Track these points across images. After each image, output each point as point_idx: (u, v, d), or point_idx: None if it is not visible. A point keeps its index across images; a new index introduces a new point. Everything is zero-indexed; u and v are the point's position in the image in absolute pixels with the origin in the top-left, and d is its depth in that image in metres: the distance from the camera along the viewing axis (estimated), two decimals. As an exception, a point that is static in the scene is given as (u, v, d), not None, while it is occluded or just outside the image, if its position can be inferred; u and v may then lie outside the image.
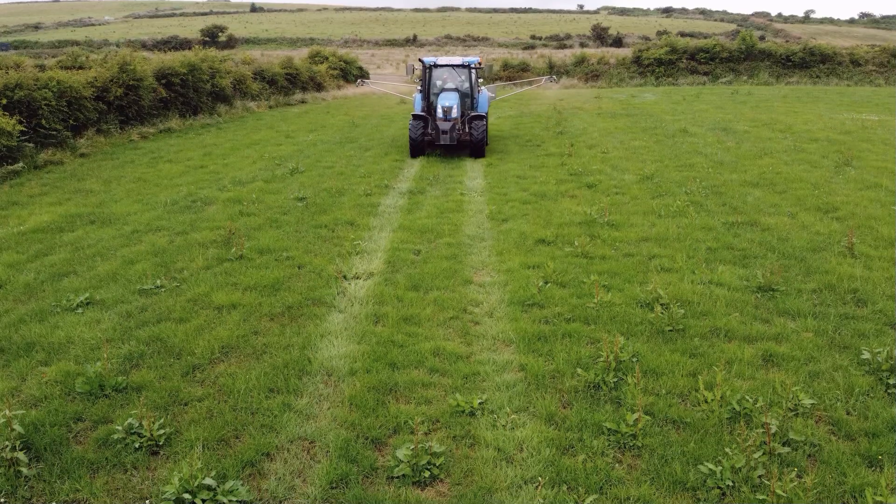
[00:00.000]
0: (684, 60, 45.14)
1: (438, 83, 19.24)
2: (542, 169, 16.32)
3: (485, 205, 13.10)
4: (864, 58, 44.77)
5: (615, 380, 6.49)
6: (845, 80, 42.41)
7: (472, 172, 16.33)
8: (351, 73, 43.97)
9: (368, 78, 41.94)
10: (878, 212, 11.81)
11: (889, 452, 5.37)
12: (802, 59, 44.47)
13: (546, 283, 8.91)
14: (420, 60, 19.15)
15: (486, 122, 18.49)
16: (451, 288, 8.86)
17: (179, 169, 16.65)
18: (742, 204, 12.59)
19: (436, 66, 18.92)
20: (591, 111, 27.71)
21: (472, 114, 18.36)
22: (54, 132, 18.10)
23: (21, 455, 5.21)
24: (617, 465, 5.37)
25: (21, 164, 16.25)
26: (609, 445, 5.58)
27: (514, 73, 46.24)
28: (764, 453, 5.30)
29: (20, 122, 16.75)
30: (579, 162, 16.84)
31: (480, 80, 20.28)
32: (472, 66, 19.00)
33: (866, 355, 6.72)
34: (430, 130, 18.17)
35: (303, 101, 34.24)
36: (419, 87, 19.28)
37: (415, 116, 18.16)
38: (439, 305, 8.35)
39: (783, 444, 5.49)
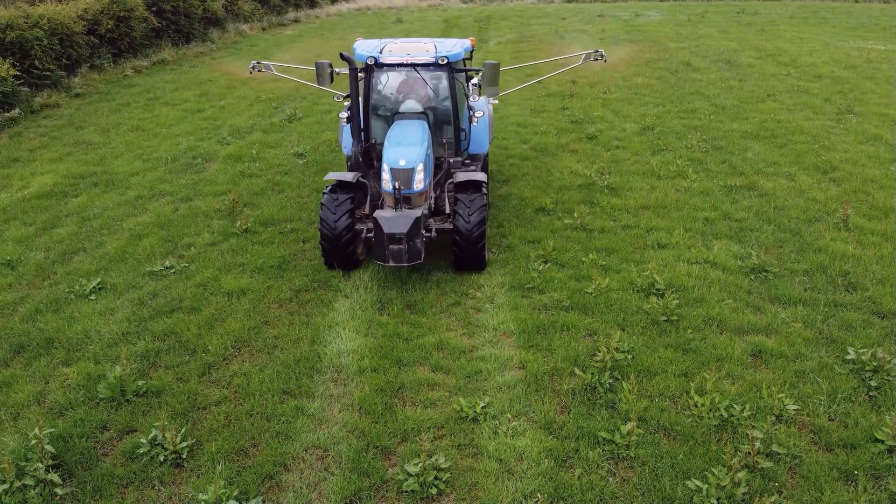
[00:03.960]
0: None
1: (389, 100, 9.71)
2: (542, 114, 16.21)
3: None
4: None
5: (611, 380, 6.83)
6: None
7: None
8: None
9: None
10: (876, 173, 11.90)
11: (864, 467, 5.76)
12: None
13: (546, 262, 9.13)
14: (343, 59, 8.73)
15: (486, 185, 9.32)
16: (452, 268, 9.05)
17: (177, 114, 16.50)
18: (741, 162, 12.64)
19: (380, 64, 9.15)
20: (594, 35, 27.08)
21: (458, 170, 9.40)
22: (48, 72, 17.80)
23: (55, 476, 5.59)
24: (611, 478, 5.77)
25: (17, 111, 16.11)
26: (604, 457, 5.96)
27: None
28: (749, 471, 5.69)
29: (13, 66, 16.48)
30: (580, 106, 16.70)
31: (474, 85, 9.63)
32: (456, 60, 9.46)
33: (851, 355, 7.03)
34: (367, 213, 9.15)
35: (296, 21, 33.35)
36: (347, 107, 9.43)
37: (337, 185, 8.81)
38: (441, 289, 8.60)
39: (767, 457, 5.87)
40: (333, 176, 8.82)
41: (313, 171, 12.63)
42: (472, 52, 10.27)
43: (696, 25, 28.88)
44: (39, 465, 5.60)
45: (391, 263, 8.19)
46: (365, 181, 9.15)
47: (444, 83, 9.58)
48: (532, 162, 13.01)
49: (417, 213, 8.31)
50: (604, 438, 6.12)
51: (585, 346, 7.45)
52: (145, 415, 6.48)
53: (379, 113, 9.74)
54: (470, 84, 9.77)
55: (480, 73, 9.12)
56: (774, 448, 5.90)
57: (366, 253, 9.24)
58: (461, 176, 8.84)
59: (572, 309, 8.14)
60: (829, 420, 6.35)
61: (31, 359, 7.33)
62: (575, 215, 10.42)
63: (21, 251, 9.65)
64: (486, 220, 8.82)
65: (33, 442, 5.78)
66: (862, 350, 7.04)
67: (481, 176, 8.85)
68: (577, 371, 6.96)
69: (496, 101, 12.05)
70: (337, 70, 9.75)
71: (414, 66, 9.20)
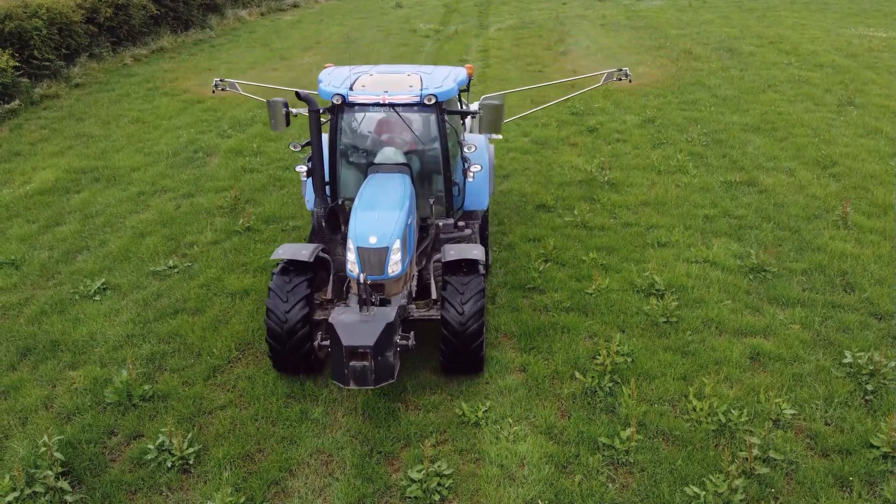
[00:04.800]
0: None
1: (364, 141, 8.04)
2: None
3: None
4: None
5: (611, 384, 6.92)
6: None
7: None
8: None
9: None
10: (876, 168, 11.93)
11: (859, 473, 5.87)
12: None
13: (546, 261, 9.19)
14: (302, 100, 7.13)
15: (487, 259, 8.55)
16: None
17: (177, 105, 16.48)
18: (742, 156, 12.67)
19: (350, 104, 7.32)
20: (595, 21, 26.94)
21: (449, 234, 7.88)
22: (48, 62, 17.72)
23: (65, 484, 5.69)
24: (610, 484, 5.88)
25: (18, 102, 16.08)
26: (603, 462, 6.07)
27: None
28: (746, 477, 5.79)
29: (12, 56, 16.42)
30: (581, 97, 16.65)
31: (468, 125, 9.18)
32: (448, 99, 7.40)
33: (848, 358, 7.12)
34: (329, 298, 7.11)
35: (295, 6, 33.09)
36: (307, 159, 7.43)
37: (289, 265, 6.94)
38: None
39: (764, 462, 5.98)
40: (285, 253, 6.83)
41: (314, 165, 12.64)
42: (469, 82, 8.44)
43: (697, 11, 28.71)
44: (49, 472, 5.70)
45: (352, 386, 6.15)
46: (327, 255, 7.23)
47: (432, 127, 7.65)
48: (532, 156, 13.03)
49: (390, 314, 6.32)
50: (604, 444, 6.22)
51: (586, 348, 7.53)
52: (152, 419, 6.57)
53: (351, 160, 7.85)
54: (463, 125, 8.40)
55: (479, 115, 7.56)
56: (771, 454, 6.01)
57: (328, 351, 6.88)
58: (451, 253, 6.89)
59: (573, 310, 8.22)
60: (826, 425, 6.45)
61: (37, 362, 7.42)
62: (575, 212, 10.47)
63: (25, 250, 9.71)
64: (484, 309, 6.77)
65: (42, 449, 5.88)
66: (859, 354, 7.12)
67: (477, 252, 6.88)
68: (577, 375, 7.05)
69: (499, 137, 9.92)
70: (294, 111, 7.51)
71: (393, 106, 7.24)
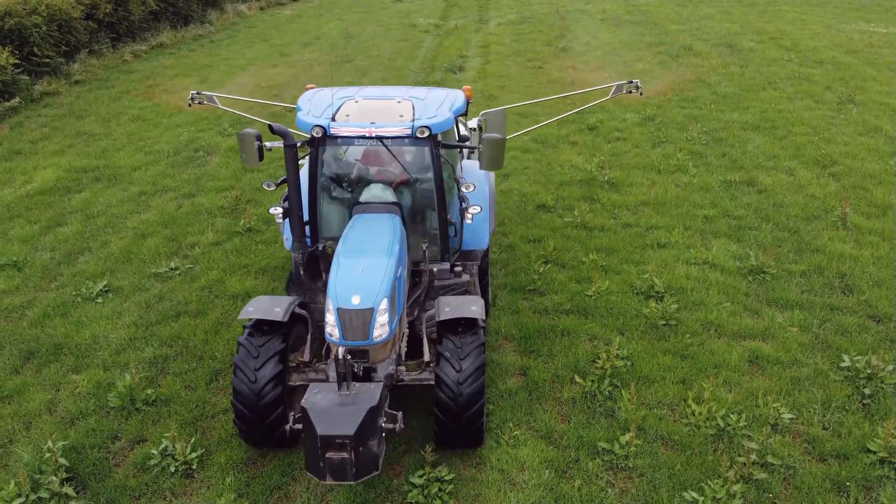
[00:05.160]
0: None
1: (349, 173, 7.17)
2: (543, 103, 16.17)
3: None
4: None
5: (610, 388, 6.98)
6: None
7: (473, 112, 16.22)
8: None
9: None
10: (875, 167, 11.95)
11: (856, 478, 5.93)
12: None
13: (546, 262, 9.23)
14: (276, 133, 6.40)
15: (486, 309, 7.49)
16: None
17: (177, 103, 16.46)
18: (741, 155, 12.69)
19: (332, 136, 6.53)
20: (595, 15, 26.88)
21: (443, 281, 7.05)
22: (47, 59, 17.71)
23: (70, 490, 5.75)
24: (610, 489, 5.93)
25: (18, 100, 16.08)
26: (603, 467, 6.12)
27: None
28: (744, 482, 5.85)
29: (12, 54, 16.41)
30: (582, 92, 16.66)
31: (472, 129, 9.08)
32: (444, 130, 6.75)
33: (846, 362, 7.17)
34: (306, 361, 6.29)
35: (294, 0, 33.03)
36: (283, 198, 6.67)
37: (258, 325, 6.09)
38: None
39: (761, 467, 6.03)
40: (256, 311, 6.00)
41: (315, 164, 12.66)
42: (467, 106, 7.50)
43: (697, 6, 28.64)
44: (54, 478, 5.76)
45: (328, 481, 5.24)
46: (304, 311, 6.37)
47: (426, 160, 6.71)
48: (533, 154, 13.05)
49: (374, 395, 5.43)
50: (603, 448, 6.27)
51: (585, 351, 7.58)
52: (155, 424, 6.63)
53: (334, 195, 6.99)
54: (464, 138, 7.75)
55: (478, 150, 6.61)
56: (769, 459, 6.06)
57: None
58: (447, 310, 6.08)
59: (573, 312, 8.26)
60: (823, 429, 6.50)
61: (41, 366, 7.47)
62: (575, 213, 10.50)
63: (27, 251, 9.74)
64: (484, 369, 5.95)
65: (47, 455, 5.93)
66: (857, 357, 7.18)
67: (476, 309, 6.09)
68: (577, 378, 7.10)
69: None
70: (268, 144, 6.67)
71: (380, 139, 6.44)
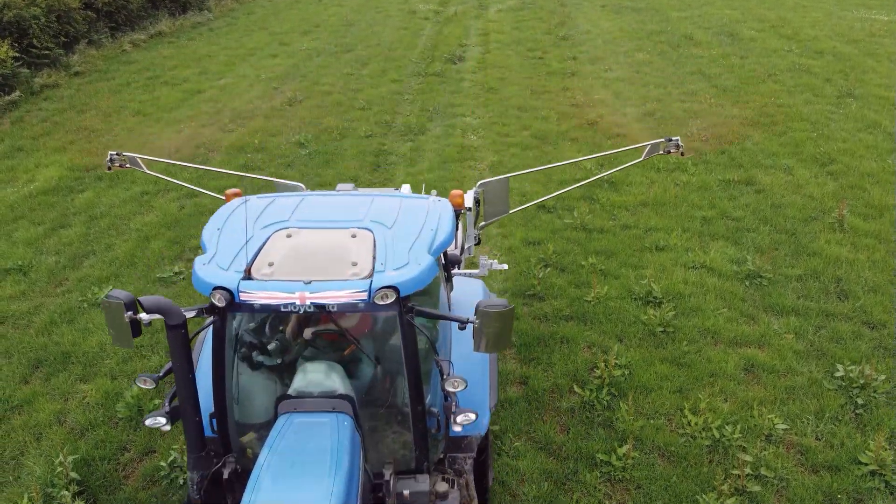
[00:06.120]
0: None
1: (266, 348, 4.71)
2: (543, 96, 16.20)
3: (486, 151, 13.23)
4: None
5: (608, 397, 7.12)
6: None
7: (474, 105, 16.25)
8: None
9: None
10: (873, 166, 12.02)
11: (847, 490, 6.09)
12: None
13: (546, 266, 9.34)
14: (151, 312, 4.23)
15: None
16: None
17: (178, 96, 16.49)
18: (740, 153, 12.74)
19: (241, 305, 4.15)
20: (596, 2, 26.74)
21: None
22: (47, 51, 17.70)
23: (81, 504, 5.90)
24: (607, 501, 6.09)
25: (18, 93, 16.10)
26: (601, 479, 6.28)
27: None
28: (738, 494, 6.01)
29: (12, 46, 16.40)
30: (581, 86, 16.68)
31: (468, 210, 7.03)
32: (419, 288, 4.19)
33: (840, 371, 7.31)
34: None
35: (294, -17, 32.81)
36: (168, 398, 4.50)
37: None
38: (445, 297, 8.82)
39: (755, 479, 6.19)
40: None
41: (316, 162, 12.74)
42: (458, 218, 6.07)
43: (699, -10, 28.49)
44: (66, 492, 5.90)
45: None
46: None
47: (391, 331, 4.67)
48: (532, 151, 13.11)
49: None
50: (601, 460, 6.42)
51: (584, 359, 7.71)
52: (163, 435, 6.76)
53: (256, 360, 4.75)
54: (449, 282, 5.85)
55: (474, 326, 4.22)
56: (763, 471, 6.22)
57: None
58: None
59: (572, 318, 8.39)
60: (816, 440, 6.65)
61: (49, 375, 7.60)
62: (575, 214, 10.60)
63: (32, 254, 9.85)
64: None
65: (59, 469, 6.08)
66: (850, 367, 7.31)
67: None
68: (576, 388, 7.24)
69: (504, 267, 7.70)
70: (145, 318, 4.29)
71: (321, 308, 4.12)
